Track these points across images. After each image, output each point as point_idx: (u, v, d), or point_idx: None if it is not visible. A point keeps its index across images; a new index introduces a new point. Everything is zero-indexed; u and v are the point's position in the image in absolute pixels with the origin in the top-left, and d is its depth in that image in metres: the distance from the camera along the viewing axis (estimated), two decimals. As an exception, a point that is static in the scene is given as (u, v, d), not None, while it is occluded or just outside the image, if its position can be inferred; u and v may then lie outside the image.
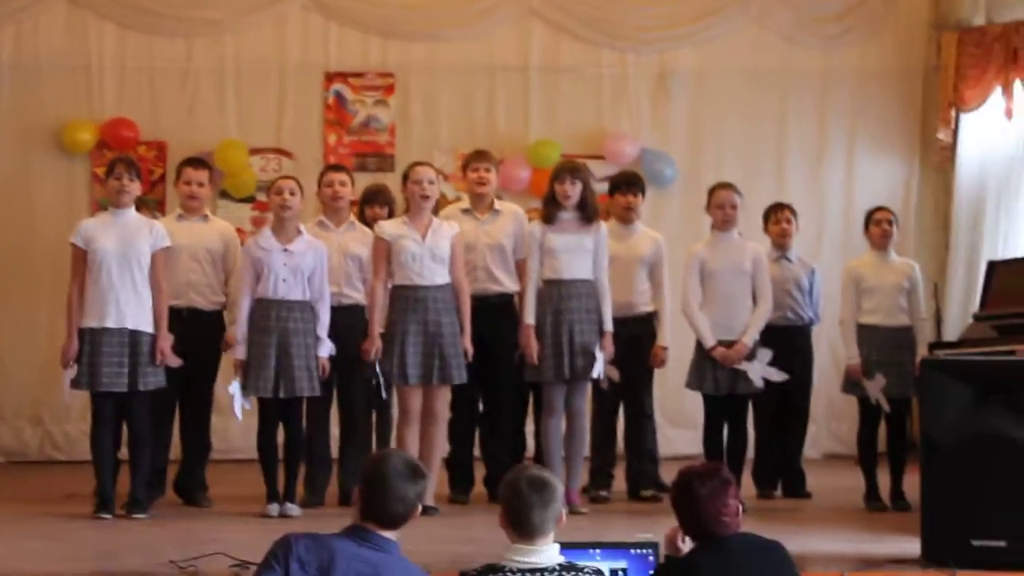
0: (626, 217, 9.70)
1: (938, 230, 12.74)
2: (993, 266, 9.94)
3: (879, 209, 9.69)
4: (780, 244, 9.92)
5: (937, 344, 9.67)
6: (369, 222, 9.46)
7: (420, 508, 4.94)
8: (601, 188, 10.40)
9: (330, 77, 12.40)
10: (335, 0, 12.37)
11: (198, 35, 12.29)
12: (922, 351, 9.19)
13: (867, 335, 9.36)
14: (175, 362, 8.79)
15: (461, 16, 12.54)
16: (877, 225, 9.55)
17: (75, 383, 8.63)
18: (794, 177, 12.64)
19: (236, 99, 12.31)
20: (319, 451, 9.28)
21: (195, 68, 12.26)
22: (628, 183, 9.81)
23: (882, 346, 9.32)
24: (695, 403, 9.58)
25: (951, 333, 11.20)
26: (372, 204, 9.67)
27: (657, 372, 9.80)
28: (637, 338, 9.50)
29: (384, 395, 8.99)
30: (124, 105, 12.14)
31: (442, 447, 9.01)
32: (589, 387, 9.24)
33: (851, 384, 9.45)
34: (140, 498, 8.65)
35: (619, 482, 9.72)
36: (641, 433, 9.66)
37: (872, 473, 9.39)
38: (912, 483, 8.12)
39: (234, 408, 8.85)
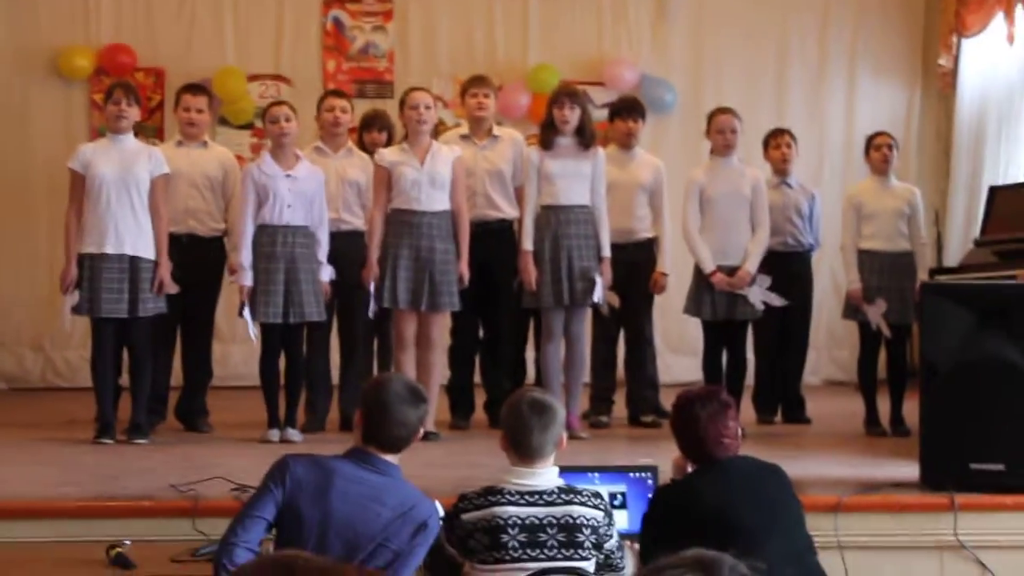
0: (626, 143, 9.67)
1: (939, 156, 12.72)
2: (994, 191, 9.91)
3: (879, 134, 9.64)
4: (780, 170, 9.89)
5: (938, 269, 9.66)
6: (368, 148, 9.44)
7: (421, 432, 4.96)
8: (601, 114, 10.37)
9: (328, 3, 12.35)
10: (334, -75, 12.30)
11: (196, -40, 12.23)
12: (923, 276, 9.17)
13: (867, 260, 9.34)
14: (173, 289, 8.78)
15: (460, -59, 12.47)
16: (877, 150, 9.51)
17: (76, 309, 8.63)
18: (795, 103, 12.61)
19: (234, 25, 12.28)
20: (320, 377, 9.29)
21: (193, -6, 12.22)
22: (628, 109, 9.77)
23: (883, 271, 9.30)
24: (695, 330, 9.59)
25: (952, 259, 11.22)
26: (370, 130, 9.65)
27: (657, 299, 9.80)
28: (637, 264, 9.49)
29: (370, 315, 8.92)
30: (122, 31, 12.12)
31: (440, 373, 9.00)
32: (588, 313, 9.24)
33: (851, 310, 9.44)
34: (141, 423, 8.68)
35: (619, 408, 9.73)
36: (641, 359, 9.66)
37: (872, 398, 9.40)
38: (912, 409, 8.12)
39: (250, 333, 8.83)
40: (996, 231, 9.46)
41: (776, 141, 9.92)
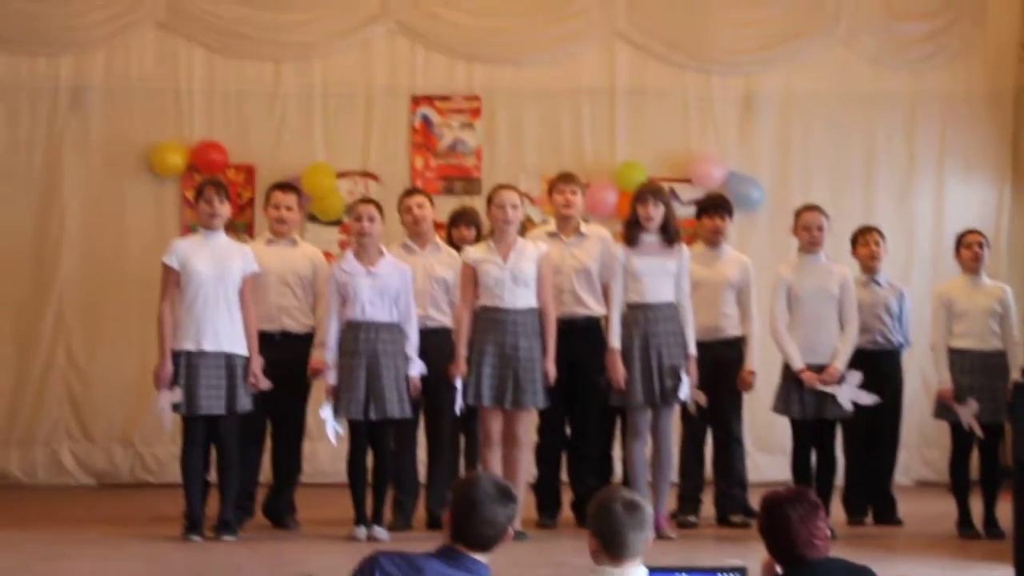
0: (713, 240, 9.67)
1: (1030, 254, 12.61)
2: (1085, 290, 9.83)
3: (970, 232, 9.60)
4: (869, 267, 9.85)
5: (1030, 368, 9.55)
6: (456, 244, 9.50)
7: (512, 532, 4.94)
8: (688, 211, 10.38)
9: (416, 101, 12.44)
10: (421, 24, 12.41)
11: (286, 59, 12.37)
12: (1015, 375, 9.07)
13: (959, 359, 9.27)
14: (266, 384, 8.85)
15: (546, 40, 12.54)
16: (968, 248, 9.47)
17: (176, 407, 8.67)
18: (883, 200, 12.54)
19: (323, 123, 12.38)
20: (407, 474, 9.29)
21: (283, 92, 12.34)
22: (715, 206, 9.78)
23: (974, 370, 9.23)
24: (784, 428, 9.53)
25: (1044, 358, 11.08)
26: (458, 225, 9.71)
27: (746, 397, 9.75)
28: (725, 362, 9.46)
29: (458, 413, 8.94)
30: (213, 129, 12.25)
31: (525, 471, 8.97)
32: (676, 411, 9.20)
33: (943, 409, 9.36)
34: (229, 520, 8.71)
35: (707, 507, 9.66)
36: (729, 457, 9.61)
37: (965, 500, 9.29)
38: (1006, 510, 8.02)
39: (327, 433, 8.88)
40: (1088, 329, 9.37)
41: (864, 239, 9.89)
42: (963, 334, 9.31)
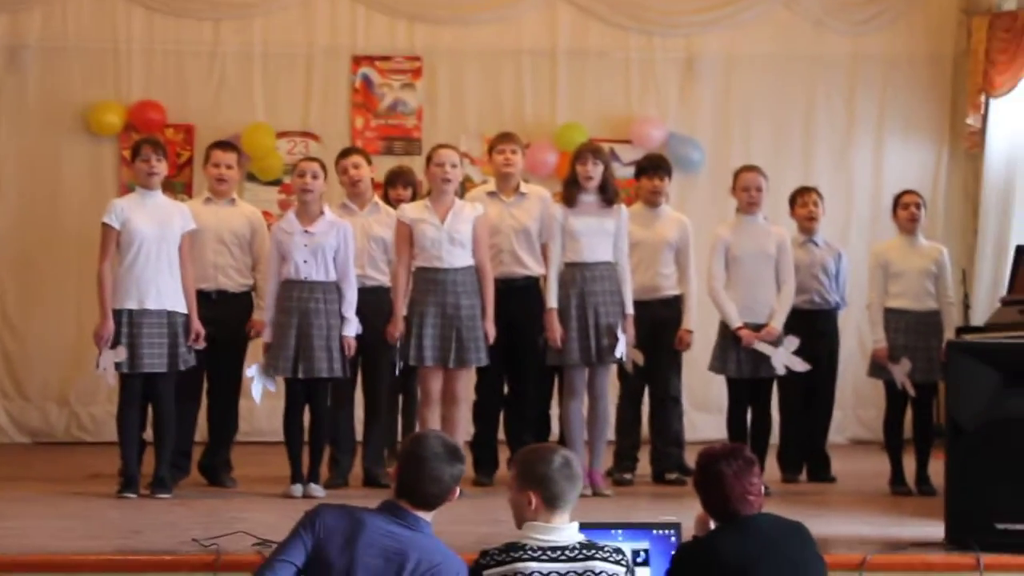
0: (652, 200, 9.68)
1: (966, 215, 12.69)
2: (1021, 251, 9.86)
3: (907, 192, 9.65)
4: (807, 228, 9.89)
5: (964, 328, 9.61)
6: (393, 204, 9.47)
7: (457, 491, 4.94)
8: (628, 172, 10.38)
9: (357, 60, 12.40)
10: (363, -17, 12.37)
11: (226, 18, 12.31)
12: (949, 335, 9.15)
13: (894, 319, 9.34)
14: (201, 344, 8.84)
15: (488, 0, 12.51)
16: (905, 208, 9.52)
17: (118, 366, 8.62)
18: (822, 161, 12.59)
19: (263, 82, 12.32)
20: (344, 433, 9.29)
21: (222, 51, 12.28)
22: (654, 166, 9.79)
23: (908, 330, 9.30)
24: (721, 387, 9.57)
25: (979, 318, 11.18)
26: (395, 185, 9.69)
27: (684, 356, 9.78)
28: (663, 321, 9.49)
29: (397, 373, 8.95)
30: (151, 88, 12.18)
31: (464, 429, 8.97)
32: (612, 370, 9.23)
33: (877, 368, 9.43)
34: (164, 478, 8.69)
35: (643, 465, 9.70)
36: (666, 416, 9.64)
37: (898, 457, 9.37)
38: (938, 468, 8.09)
39: (252, 391, 8.86)
40: (1023, 290, 9.43)
41: (803, 199, 9.92)
42: (899, 294, 9.37)
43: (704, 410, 11.71)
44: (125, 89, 12.15)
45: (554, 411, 9.69)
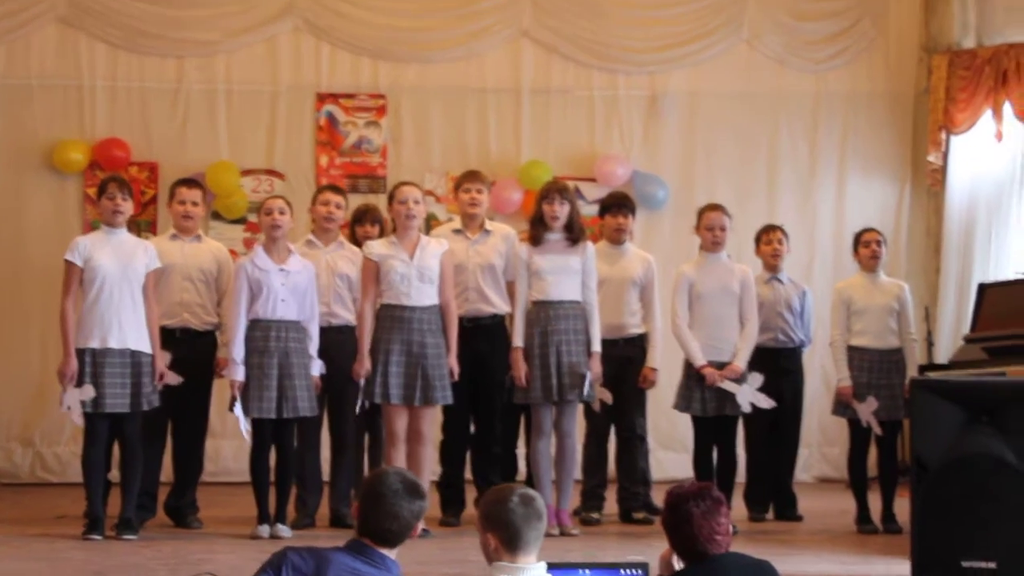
0: (616, 238, 9.70)
1: (929, 252, 12.76)
2: (983, 288, 9.96)
3: (867, 231, 9.70)
4: (771, 265, 9.93)
5: (928, 366, 9.68)
6: (360, 241, 9.45)
7: (419, 527, 4.94)
8: (592, 210, 10.41)
9: (322, 98, 12.41)
10: (326, 22, 12.38)
11: (190, 56, 12.31)
12: (912, 372, 9.20)
13: (857, 357, 9.38)
14: (175, 380, 8.81)
15: (452, 37, 12.56)
16: (866, 247, 9.57)
17: (83, 405, 8.56)
18: (785, 199, 12.66)
19: (228, 120, 12.32)
20: (310, 472, 9.25)
21: (187, 89, 12.28)
22: (618, 204, 9.81)
23: (872, 368, 9.34)
24: (687, 426, 9.57)
25: (942, 355, 11.25)
26: (363, 223, 9.67)
27: (649, 395, 9.79)
28: (628, 359, 9.50)
29: (358, 411, 8.87)
30: (116, 125, 12.16)
31: (429, 468, 8.92)
32: (579, 409, 9.23)
33: (842, 407, 9.46)
34: (130, 519, 8.64)
35: (610, 504, 9.70)
36: (633, 455, 9.64)
37: (863, 495, 9.39)
38: (903, 505, 8.11)
39: (241, 429, 8.80)
40: (986, 328, 9.50)
41: (767, 237, 9.96)
42: (861, 332, 9.41)
43: (670, 448, 11.73)
44: (89, 127, 12.13)
45: (521, 450, 9.69)
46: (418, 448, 8.77)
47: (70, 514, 9.26)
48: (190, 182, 9.65)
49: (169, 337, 8.99)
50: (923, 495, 7.02)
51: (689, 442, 9.45)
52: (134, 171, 12.00)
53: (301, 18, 12.34)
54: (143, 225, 11.70)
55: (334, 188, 9.83)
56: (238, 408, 8.70)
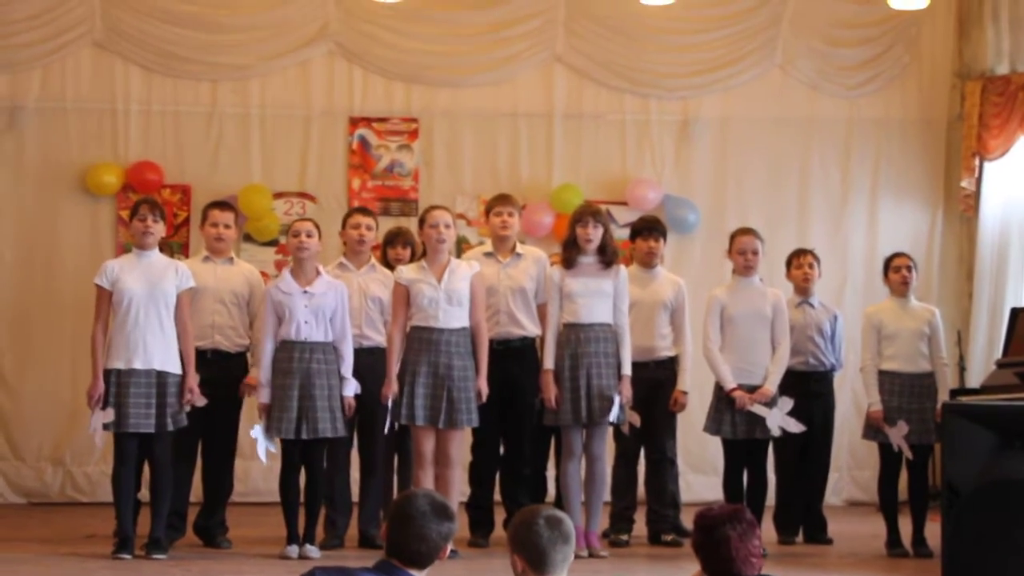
0: (648, 262, 9.71)
1: (961, 278, 12.71)
2: (1016, 313, 9.92)
3: (898, 255, 9.69)
4: (802, 289, 9.91)
5: (960, 390, 9.64)
6: (391, 264, 9.49)
7: (448, 549, 4.94)
8: (623, 233, 10.41)
9: (354, 122, 12.43)
10: (360, 46, 12.41)
11: (224, 79, 12.34)
12: (943, 397, 9.18)
13: (888, 381, 9.36)
14: (201, 401, 8.84)
15: (485, 62, 12.58)
16: (896, 271, 9.56)
17: (106, 427, 8.62)
18: (817, 224, 12.62)
19: (260, 143, 12.34)
20: (340, 493, 9.28)
21: (220, 112, 12.31)
22: (649, 228, 9.81)
23: (903, 392, 9.31)
24: (717, 449, 9.57)
25: (974, 380, 11.19)
26: (394, 245, 9.67)
27: (680, 417, 9.78)
28: (659, 382, 9.50)
29: (386, 431, 8.88)
30: (149, 148, 12.19)
31: (458, 490, 8.92)
32: (609, 431, 9.23)
33: (873, 431, 9.43)
34: (160, 538, 8.67)
35: (639, 527, 9.68)
36: (662, 478, 9.63)
37: (893, 519, 9.36)
38: (934, 530, 8.08)
39: (258, 452, 8.86)
40: (1018, 352, 9.46)
41: (799, 261, 9.95)
42: (892, 356, 9.39)
43: (700, 471, 11.70)
44: (123, 150, 12.17)
45: (550, 472, 9.69)
46: (446, 471, 8.79)
47: (100, 533, 9.29)
48: (223, 204, 9.69)
49: (200, 358, 9.01)
50: (954, 520, 7.00)
51: (719, 465, 9.46)
52: (167, 194, 12.03)
53: (334, 42, 12.38)
54: (175, 247, 11.74)
55: (363, 210, 9.87)
56: (256, 430, 8.74)
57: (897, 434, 9.24)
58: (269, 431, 8.77)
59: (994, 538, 6.83)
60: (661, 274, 9.75)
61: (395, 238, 9.75)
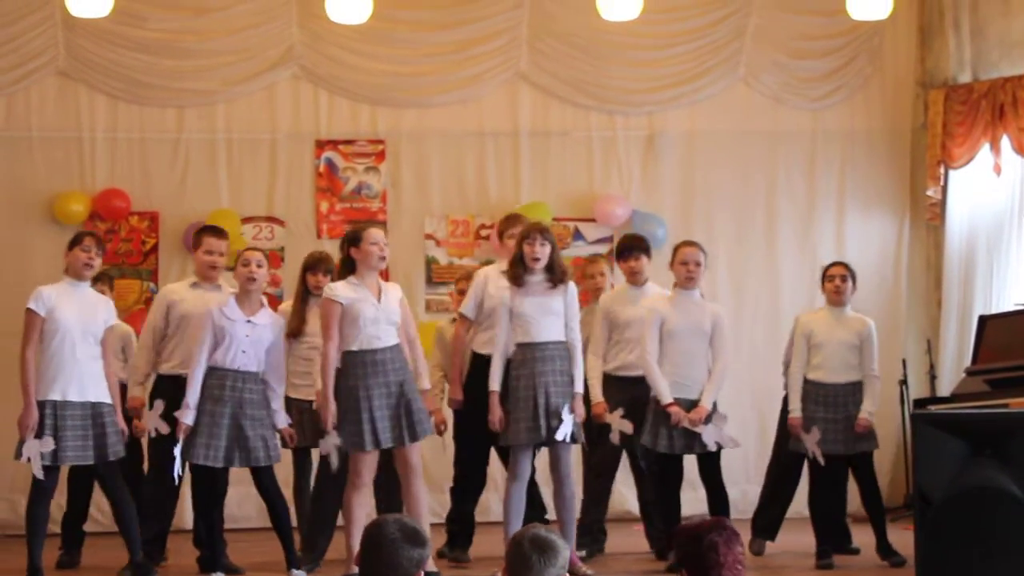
0: (634, 281, 9.71)
1: (930, 286, 12.77)
2: (984, 321, 9.97)
3: (834, 264, 9.74)
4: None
5: (930, 399, 9.67)
6: (311, 290, 9.36)
7: (422, 575, 4.93)
8: (592, 250, 10.40)
9: (321, 145, 12.44)
10: (325, 68, 12.42)
11: (189, 105, 12.32)
12: (869, 408, 9.26)
13: (811, 390, 9.42)
14: (165, 429, 8.80)
15: (450, 82, 12.59)
16: (830, 281, 9.59)
17: (43, 457, 8.48)
18: (785, 235, 12.65)
19: (228, 168, 12.33)
20: (317, 514, 9.23)
21: (186, 138, 12.29)
22: (628, 248, 9.80)
23: (827, 403, 9.38)
24: (691, 463, 9.52)
25: (945, 388, 11.22)
26: (315, 272, 9.44)
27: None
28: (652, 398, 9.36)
29: (333, 467, 8.66)
30: (116, 176, 12.16)
31: (425, 502, 8.70)
32: (572, 450, 9.11)
33: (793, 440, 9.46)
34: (140, 563, 8.66)
35: (631, 543, 9.64)
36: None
37: (824, 530, 9.42)
38: (900, 537, 8.10)
39: (174, 470, 8.73)
40: (987, 360, 9.51)
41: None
42: (818, 366, 9.45)
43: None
44: (90, 178, 12.13)
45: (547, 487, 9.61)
46: (414, 481, 8.57)
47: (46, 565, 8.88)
48: (219, 232, 9.42)
49: (183, 384, 8.81)
50: (927, 528, 7.03)
51: (695, 479, 9.41)
52: (135, 221, 12.02)
53: (299, 66, 12.38)
54: (145, 274, 11.73)
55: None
56: (176, 450, 8.65)
57: (811, 440, 9.27)
58: (191, 456, 8.67)
59: (967, 546, 6.86)
60: (651, 290, 9.69)
61: (316, 264, 9.50)
